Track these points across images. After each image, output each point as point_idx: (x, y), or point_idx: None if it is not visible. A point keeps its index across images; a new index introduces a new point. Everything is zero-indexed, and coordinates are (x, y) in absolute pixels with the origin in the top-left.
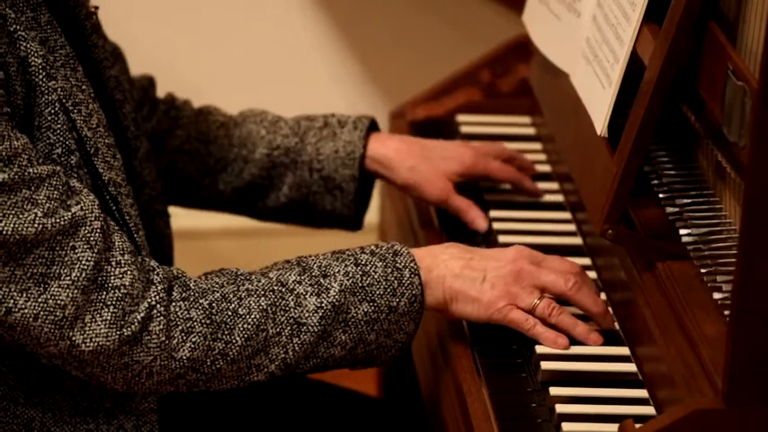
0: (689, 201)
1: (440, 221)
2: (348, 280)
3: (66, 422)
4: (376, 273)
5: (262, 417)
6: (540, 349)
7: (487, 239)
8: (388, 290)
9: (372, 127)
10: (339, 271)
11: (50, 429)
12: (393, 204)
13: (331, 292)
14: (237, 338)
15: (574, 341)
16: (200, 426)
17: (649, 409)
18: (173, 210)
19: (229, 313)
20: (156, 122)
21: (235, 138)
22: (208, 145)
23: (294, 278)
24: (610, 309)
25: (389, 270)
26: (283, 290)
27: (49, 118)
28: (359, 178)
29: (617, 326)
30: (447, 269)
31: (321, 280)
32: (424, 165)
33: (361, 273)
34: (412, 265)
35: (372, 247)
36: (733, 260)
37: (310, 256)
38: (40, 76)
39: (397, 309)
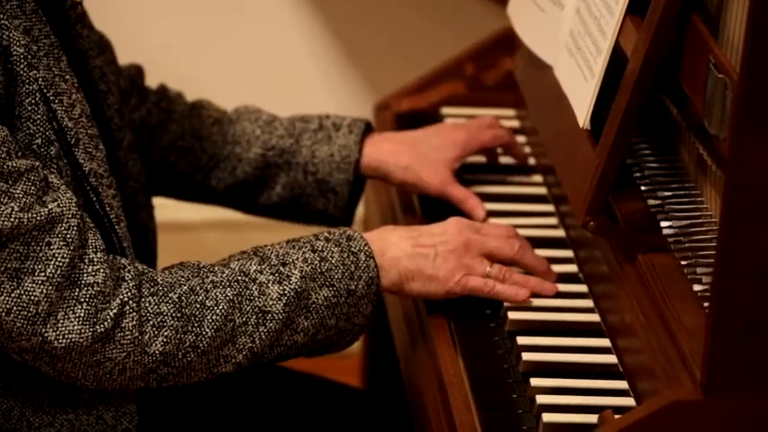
0: (670, 193)
1: (422, 210)
2: (307, 266)
3: (46, 412)
4: (333, 258)
5: (243, 408)
6: (521, 340)
7: None
8: (346, 274)
9: (367, 129)
10: (297, 258)
11: (29, 419)
12: (377, 195)
13: (292, 279)
14: (207, 330)
15: (555, 332)
16: (180, 417)
17: (629, 401)
18: (158, 201)
19: (198, 305)
20: (146, 113)
21: (229, 135)
22: (201, 141)
23: (255, 268)
24: (592, 300)
25: (345, 255)
26: (247, 280)
27: (30, 108)
28: (352, 182)
29: (597, 317)
30: (399, 250)
31: (281, 268)
32: (418, 161)
33: (318, 259)
34: (366, 248)
35: (326, 234)
36: (713, 252)
37: (266, 246)
38: (22, 66)
39: (356, 292)
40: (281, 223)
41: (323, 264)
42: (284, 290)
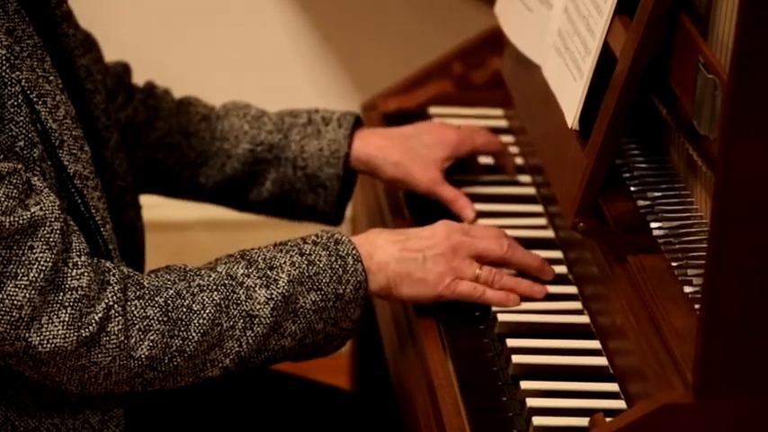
0: (660, 194)
1: (410, 210)
2: (295, 270)
3: (31, 416)
4: (321, 262)
5: (231, 411)
6: (511, 342)
7: None
8: (334, 278)
9: (357, 123)
10: (285, 262)
11: (14, 424)
12: (364, 195)
13: (280, 283)
14: (194, 334)
15: (545, 334)
16: (167, 421)
17: (620, 403)
18: (146, 200)
19: (184, 309)
20: (132, 111)
21: (217, 131)
22: (189, 138)
23: (242, 272)
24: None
25: (333, 258)
26: (234, 283)
27: (12, 110)
28: (342, 177)
29: (587, 319)
30: (387, 254)
31: (268, 272)
32: (409, 158)
33: (306, 262)
34: (354, 252)
35: (314, 237)
36: (704, 253)
37: (253, 250)
38: (4, 68)
39: (344, 296)
40: (271, 222)
41: (310, 267)
42: (272, 294)
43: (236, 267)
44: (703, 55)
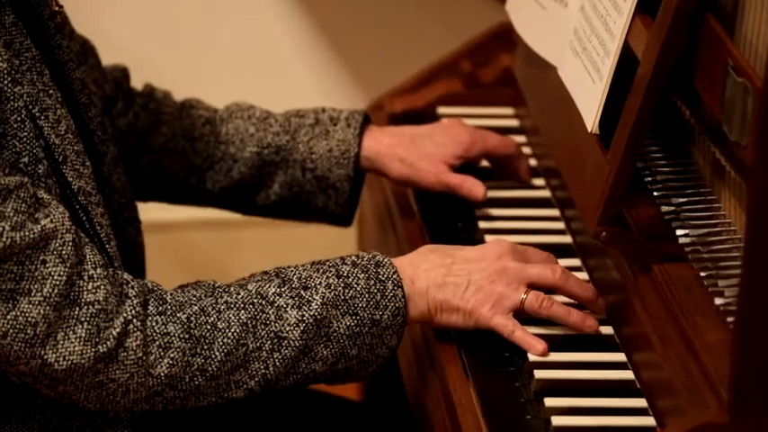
0: (685, 200)
1: (420, 211)
2: (330, 292)
3: None
4: (358, 285)
5: (241, 422)
6: (532, 357)
7: (472, 238)
8: (371, 303)
9: (365, 121)
10: (320, 283)
11: None
12: (371, 195)
13: (313, 304)
14: (217, 353)
15: (568, 347)
16: None
17: (649, 420)
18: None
19: (208, 327)
20: (133, 117)
21: (222, 135)
22: (194, 143)
23: (274, 290)
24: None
25: (372, 282)
26: (263, 302)
27: (15, 125)
28: (353, 177)
29: (611, 330)
30: (429, 279)
31: (302, 292)
32: (415, 154)
33: (343, 285)
34: (395, 276)
35: (353, 257)
36: (734, 263)
37: (289, 267)
38: (6, 82)
39: (380, 322)
40: (269, 221)
41: (347, 291)
42: (303, 316)
43: (267, 286)
44: (733, 57)
